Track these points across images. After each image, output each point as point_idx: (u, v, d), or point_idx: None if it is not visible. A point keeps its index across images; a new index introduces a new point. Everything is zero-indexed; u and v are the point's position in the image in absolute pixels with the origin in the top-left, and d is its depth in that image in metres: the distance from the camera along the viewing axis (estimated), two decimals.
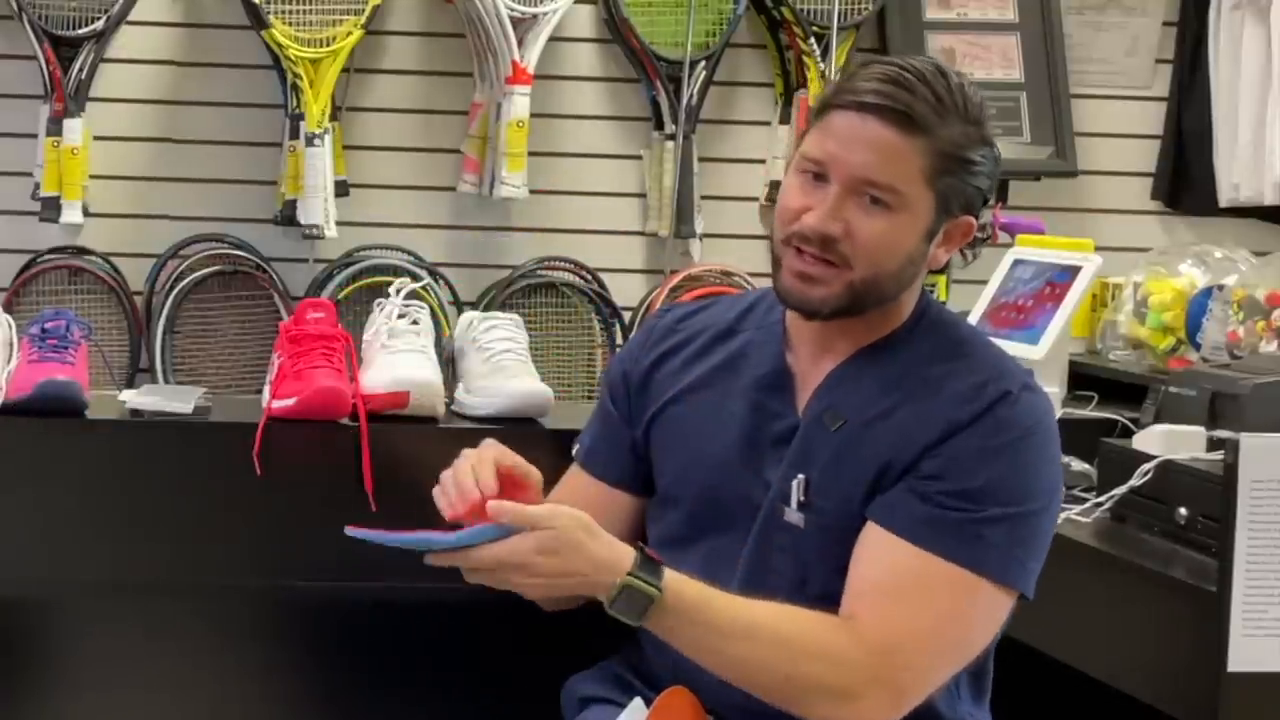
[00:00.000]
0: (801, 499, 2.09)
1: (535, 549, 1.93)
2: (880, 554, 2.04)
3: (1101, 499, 2.49)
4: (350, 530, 1.99)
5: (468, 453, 2.10)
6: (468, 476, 2.05)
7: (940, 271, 2.27)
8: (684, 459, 2.19)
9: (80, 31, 3.93)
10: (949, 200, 2.07)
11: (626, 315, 4.15)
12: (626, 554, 1.97)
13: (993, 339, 2.25)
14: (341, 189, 4.10)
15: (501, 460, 2.10)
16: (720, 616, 1.99)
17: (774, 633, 2.00)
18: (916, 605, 2.01)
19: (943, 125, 2.04)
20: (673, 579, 1.97)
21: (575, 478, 2.30)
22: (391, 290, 2.73)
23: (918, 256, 2.08)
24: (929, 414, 2.05)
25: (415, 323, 2.70)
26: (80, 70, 3.93)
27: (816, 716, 2.02)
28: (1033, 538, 2.06)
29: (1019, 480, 2.04)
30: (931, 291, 2.44)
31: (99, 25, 3.93)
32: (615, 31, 4.19)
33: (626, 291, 4.23)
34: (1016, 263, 3.14)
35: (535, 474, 2.16)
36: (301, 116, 3.98)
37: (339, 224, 4.02)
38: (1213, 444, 2.43)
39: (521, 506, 1.94)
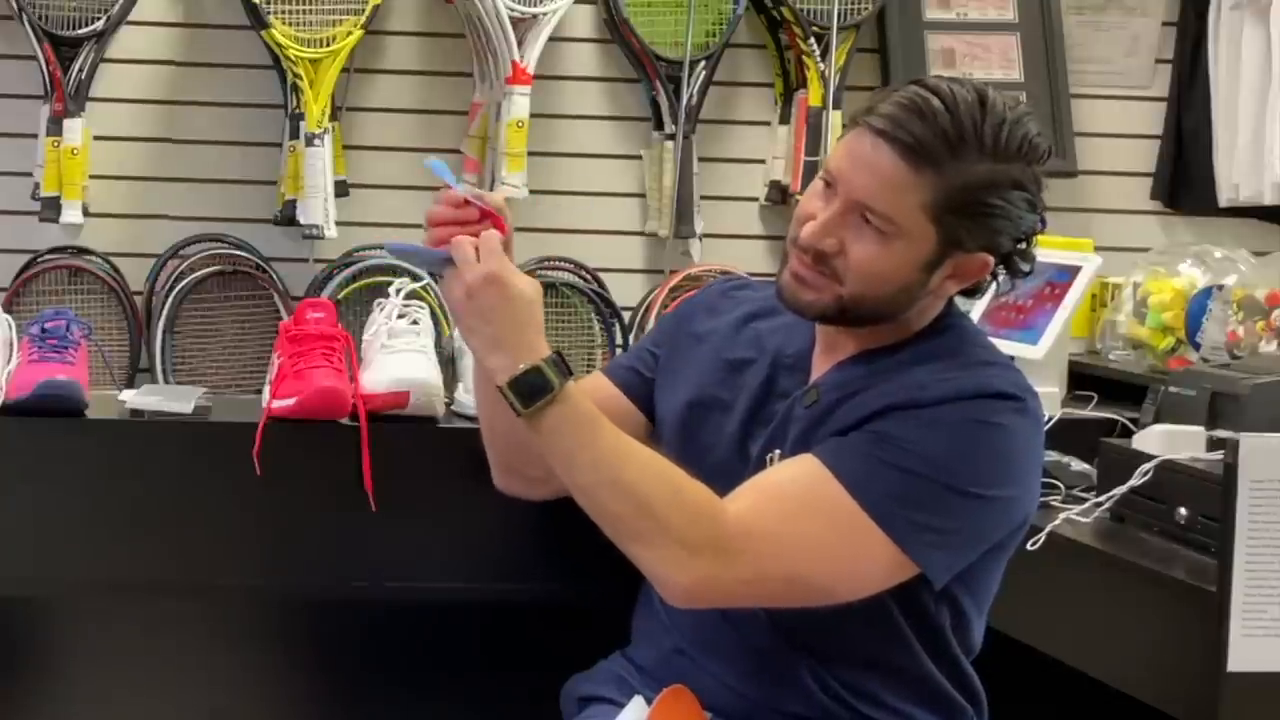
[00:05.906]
0: None
1: (489, 291, 2.08)
2: (787, 464, 2.07)
3: (1101, 499, 2.49)
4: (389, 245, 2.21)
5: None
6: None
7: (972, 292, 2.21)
8: (686, 418, 2.21)
9: (80, 31, 3.92)
10: (959, 237, 2.04)
11: (626, 315, 4.15)
12: (546, 348, 2.03)
13: (996, 339, 2.24)
14: (341, 189, 4.09)
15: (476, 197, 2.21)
16: (604, 439, 2.01)
17: (642, 469, 2.00)
18: (793, 511, 2.01)
19: (957, 161, 1.99)
20: (576, 388, 2.01)
21: (595, 378, 2.35)
22: (391, 290, 2.73)
23: (914, 285, 2.06)
24: (893, 389, 2.04)
25: (415, 323, 2.70)
26: (80, 70, 3.93)
27: (646, 560, 2.01)
28: (941, 512, 2.00)
29: (956, 457, 1.99)
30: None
31: (99, 25, 3.92)
32: (615, 31, 4.18)
33: (626, 291, 4.22)
34: None
35: (504, 209, 2.24)
36: (301, 116, 3.97)
37: (339, 224, 4.01)
38: (1213, 444, 2.43)
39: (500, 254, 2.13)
